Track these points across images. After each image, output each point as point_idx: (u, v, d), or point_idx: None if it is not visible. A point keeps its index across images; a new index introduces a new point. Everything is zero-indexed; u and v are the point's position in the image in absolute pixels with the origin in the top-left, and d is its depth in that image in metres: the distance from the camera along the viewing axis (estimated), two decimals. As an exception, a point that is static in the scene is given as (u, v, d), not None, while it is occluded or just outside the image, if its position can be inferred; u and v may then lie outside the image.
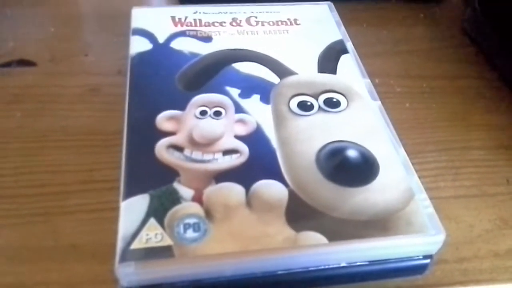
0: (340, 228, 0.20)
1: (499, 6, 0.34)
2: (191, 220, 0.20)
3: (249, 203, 0.21)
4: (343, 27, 0.31)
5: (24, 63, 0.33)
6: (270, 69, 0.27)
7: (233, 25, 0.30)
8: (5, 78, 0.32)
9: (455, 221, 0.25)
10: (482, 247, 0.24)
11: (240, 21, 0.31)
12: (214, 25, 0.30)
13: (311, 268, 0.20)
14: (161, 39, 0.29)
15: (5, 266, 0.22)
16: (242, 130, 0.24)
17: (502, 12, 0.34)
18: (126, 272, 0.18)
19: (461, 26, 0.38)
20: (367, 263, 0.20)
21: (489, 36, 0.35)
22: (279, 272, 0.20)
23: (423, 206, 0.21)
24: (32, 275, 0.22)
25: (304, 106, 0.25)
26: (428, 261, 0.21)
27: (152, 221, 0.20)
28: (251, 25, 0.30)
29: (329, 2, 0.33)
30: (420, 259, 0.21)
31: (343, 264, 0.20)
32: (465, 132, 0.30)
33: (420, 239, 0.20)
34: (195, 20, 0.30)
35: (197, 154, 0.22)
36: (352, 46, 0.29)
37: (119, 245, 0.19)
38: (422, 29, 0.39)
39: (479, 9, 0.36)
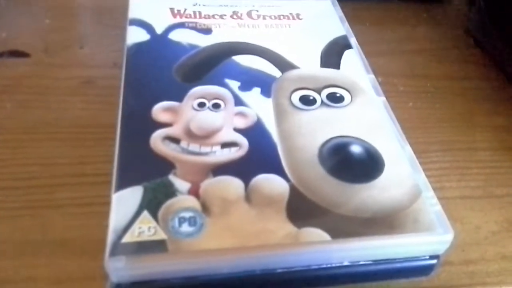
0: (344, 225, 0.19)
1: (504, 6, 0.33)
2: (187, 214, 0.19)
3: (248, 197, 0.20)
4: (346, 23, 0.30)
5: (17, 54, 0.32)
6: (271, 62, 0.26)
7: (233, 18, 0.29)
8: (-4, 69, 0.31)
9: (460, 222, 0.24)
10: (489, 249, 0.23)
11: (241, 14, 0.30)
12: (214, 18, 0.29)
13: (312, 267, 0.19)
14: (159, 30, 0.28)
15: (-10, 260, 0.21)
16: (242, 123, 0.23)
17: (507, 13, 0.33)
18: (116, 266, 0.17)
19: (465, 27, 0.38)
20: (371, 262, 0.19)
21: (494, 37, 0.34)
22: (279, 270, 0.19)
23: (430, 204, 0.20)
24: (19, 271, 0.21)
25: (306, 101, 0.24)
26: (434, 261, 0.20)
27: (145, 213, 0.19)
28: (252, 18, 0.30)
29: (332, -2, 0.32)
30: (426, 259, 0.20)
31: (346, 263, 0.19)
32: (470, 132, 0.30)
33: (428, 237, 0.19)
34: (194, 12, 0.29)
35: (194, 147, 0.21)
36: (356, 42, 0.28)
37: (110, 238, 0.18)
38: (426, 29, 0.38)
39: (484, 9, 0.35)
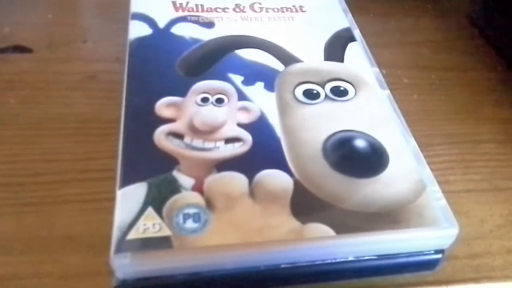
0: (348, 220, 0.19)
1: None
2: (191, 210, 0.19)
3: (252, 193, 0.20)
4: (350, 15, 0.30)
5: (20, 49, 0.32)
6: (274, 56, 0.26)
7: (236, 11, 0.29)
8: None
9: (465, 215, 0.24)
10: (494, 243, 0.23)
11: (244, 7, 0.30)
12: (216, 11, 0.29)
13: (317, 262, 0.19)
14: (161, 24, 0.28)
15: (-4, 256, 0.21)
16: (245, 118, 0.23)
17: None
18: (121, 263, 0.17)
19: (469, 17, 0.37)
20: (375, 257, 0.19)
21: (499, 28, 0.34)
22: (283, 266, 0.19)
23: (435, 199, 0.20)
24: (25, 267, 0.21)
25: (310, 94, 0.24)
26: (439, 256, 0.20)
27: (150, 210, 0.19)
28: (255, 11, 0.29)
29: (335, -10, 0.32)
30: (431, 254, 0.20)
31: (350, 258, 0.19)
32: (475, 125, 0.29)
33: (432, 232, 0.19)
34: (196, 5, 0.29)
35: (197, 142, 0.21)
36: (360, 34, 0.28)
37: (115, 235, 0.18)
38: (430, 20, 0.38)
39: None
